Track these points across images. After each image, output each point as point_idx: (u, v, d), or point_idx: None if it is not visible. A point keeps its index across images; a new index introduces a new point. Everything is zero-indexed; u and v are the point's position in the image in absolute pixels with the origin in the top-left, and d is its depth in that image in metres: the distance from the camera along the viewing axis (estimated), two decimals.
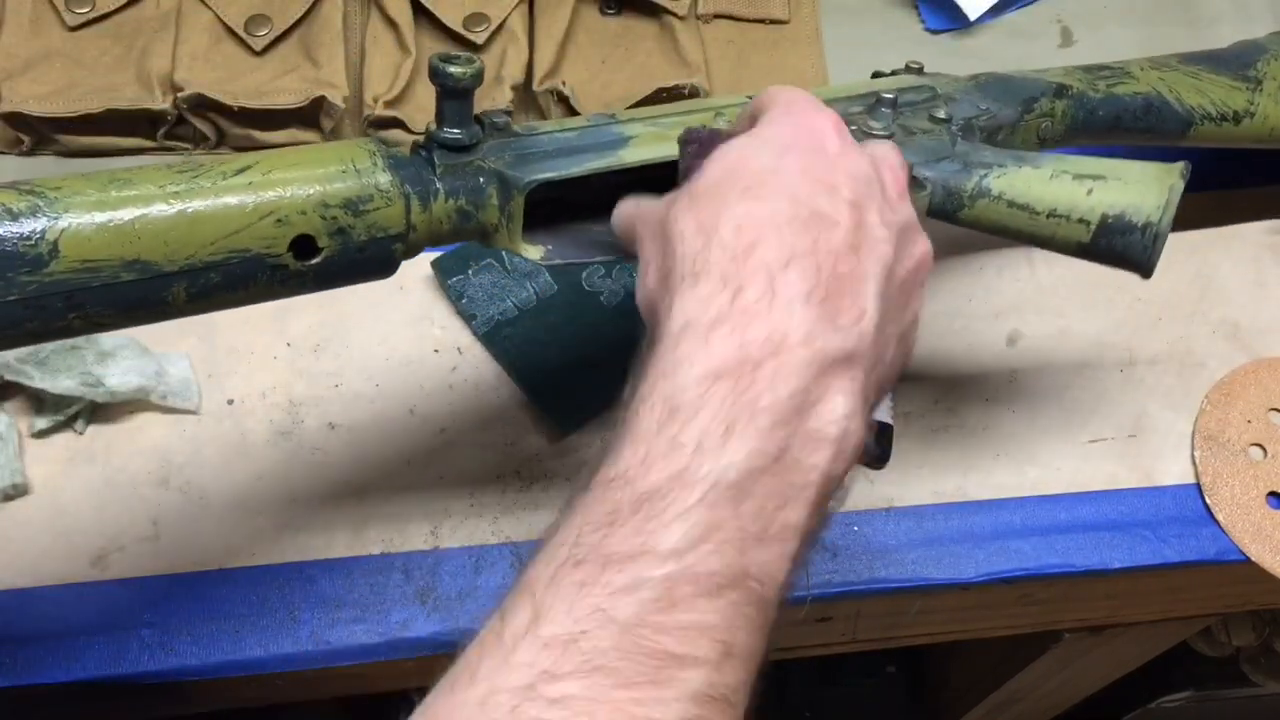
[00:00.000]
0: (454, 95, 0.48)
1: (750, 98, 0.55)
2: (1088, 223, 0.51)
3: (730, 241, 0.36)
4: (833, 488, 0.36)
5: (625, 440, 0.34)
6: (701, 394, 0.33)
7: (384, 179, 0.46)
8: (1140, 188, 0.51)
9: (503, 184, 0.49)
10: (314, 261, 0.45)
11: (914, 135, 0.55)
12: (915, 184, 0.52)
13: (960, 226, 0.54)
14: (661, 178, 0.55)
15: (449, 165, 0.48)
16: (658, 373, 0.35)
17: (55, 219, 0.41)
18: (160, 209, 0.42)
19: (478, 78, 0.47)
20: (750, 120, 0.45)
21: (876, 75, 0.63)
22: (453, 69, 0.46)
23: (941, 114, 0.57)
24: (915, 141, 0.54)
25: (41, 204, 0.41)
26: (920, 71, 0.63)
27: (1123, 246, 0.51)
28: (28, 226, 0.40)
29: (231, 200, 0.43)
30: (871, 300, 0.36)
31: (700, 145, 0.45)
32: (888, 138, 0.54)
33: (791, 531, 0.34)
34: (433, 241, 0.49)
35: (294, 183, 0.45)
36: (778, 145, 0.39)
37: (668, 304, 0.36)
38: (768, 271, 0.35)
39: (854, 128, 0.55)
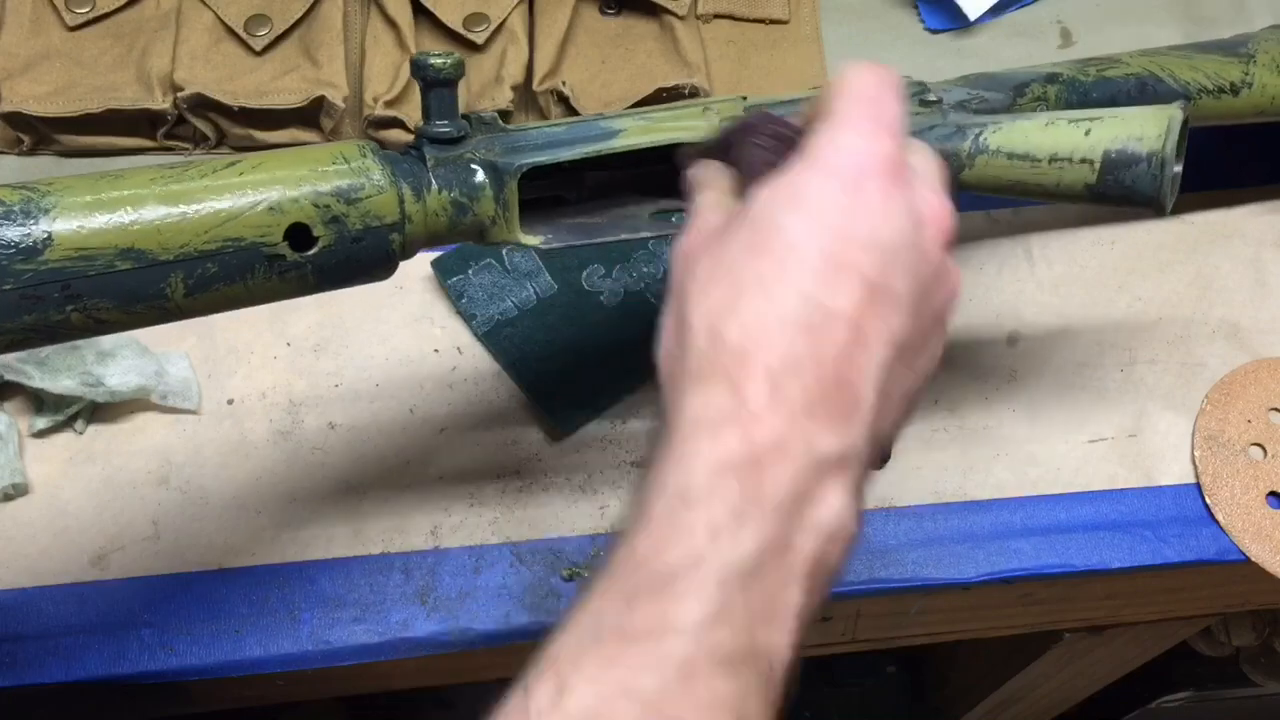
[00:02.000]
0: (437, 86, 0.49)
1: (744, 98, 0.56)
2: (1091, 162, 0.50)
3: (735, 345, 0.37)
4: (830, 574, 0.37)
5: (641, 526, 0.35)
6: (711, 486, 0.35)
7: (375, 169, 0.47)
8: (1139, 121, 0.50)
9: (494, 172, 0.49)
10: (311, 253, 0.46)
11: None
12: None
13: (964, 190, 0.54)
14: (656, 173, 0.55)
15: (440, 158, 0.49)
16: (670, 463, 0.36)
17: (48, 210, 0.42)
18: (152, 200, 0.43)
19: (458, 68, 0.48)
20: (817, 116, 0.43)
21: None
22: (434, 60, 0.48)
23: (931, 98, 0.57)
24: (910, 120, 0.54)
25: (34, 197, 0.42)
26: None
27: (1131, 180, 0.50)
28: (20, 216, 0.41)
29: (223, 188, 0.44)
30: (871, 391, 0.37)
31: (749, 131, 0.46)
32: None
33: (793, 613, 0.35)
34: (430, 239, 0.49)
35: (284, 172, 0.45)
36: (813, 207, 0.39)
37: (678, 394, 0.38)
38: (770, 379, 0.36)
39: None
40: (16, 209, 0.42)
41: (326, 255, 0.46)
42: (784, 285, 0.37)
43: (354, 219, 0.46)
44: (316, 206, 0.45)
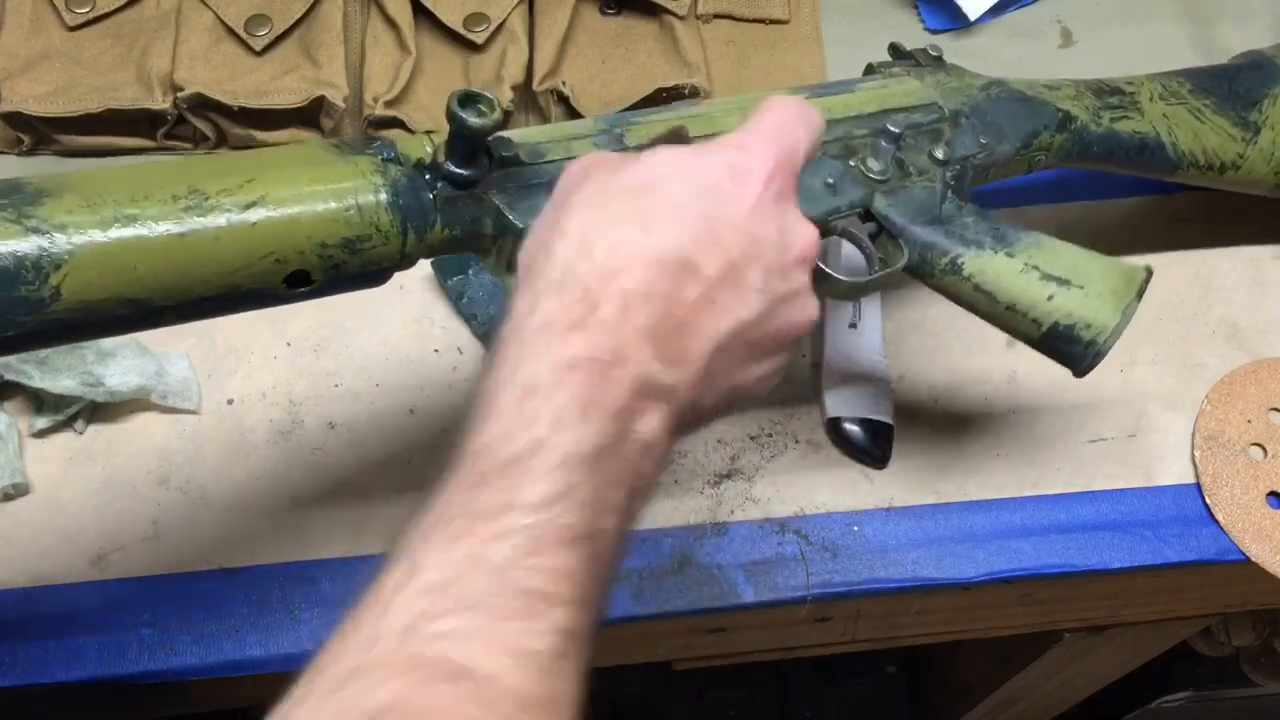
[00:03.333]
0: (467, 139, 0.47)
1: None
2: (1039, 324, 0.55)
3: (601, 261, 0.40)
4: (644, 487, 0.40)
5: (488, 416, 0.38)
6: (558, 379, 0.38)
7: (384, 219, 0.46)
8: (1098, 303, 0.55)
9: (499, 222, 0.49)
10: (303, 290, 0.46)
11: (909, 178, 0.57)
12: (896, 247, 0.56)
13: (919, 282, 0.58)
14: None
15: (449, 198, 0.48)
16: (517, 357, 0.39)
17: (58, 265, 0.41)
18: (163, 252, 0.42)
19: (498, 124, 0.46)
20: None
21: (869, 70, 0.63)
22: (471, 120, 0.45)
23: (940, 154, 0.58)
24: (908, 192, 0.57)
25: (45, 245, 0.40)
26: (939, 59, 0.63)
27: (1066, 352, 0.56)
28: (31, 271, 0.40)
29: (235, 242, 0.43)
30: (703, 353, 0.41)
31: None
32: (883, 182, 0.56)
33: (620, 508, 0.38)
34: (425, 256, 0.50)
35: (298, 220, 0.44)
36: (702, 183, 0.42)
37: (534, 294, 0.40)
38: (624, 299, 0.39)
39: (853, 163, 0.56)
40: (28, 258, 0.40)
41: (318, 290, 0.47)
42: (662, 226, 0.41)
43: (354, 265, 0.46)
44: (320, 258, 0.45)
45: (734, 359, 0.42)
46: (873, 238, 0.57)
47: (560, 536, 0.36)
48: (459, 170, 0.47)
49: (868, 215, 0.56)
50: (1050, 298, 0.55)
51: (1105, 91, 0.66)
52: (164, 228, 0.42)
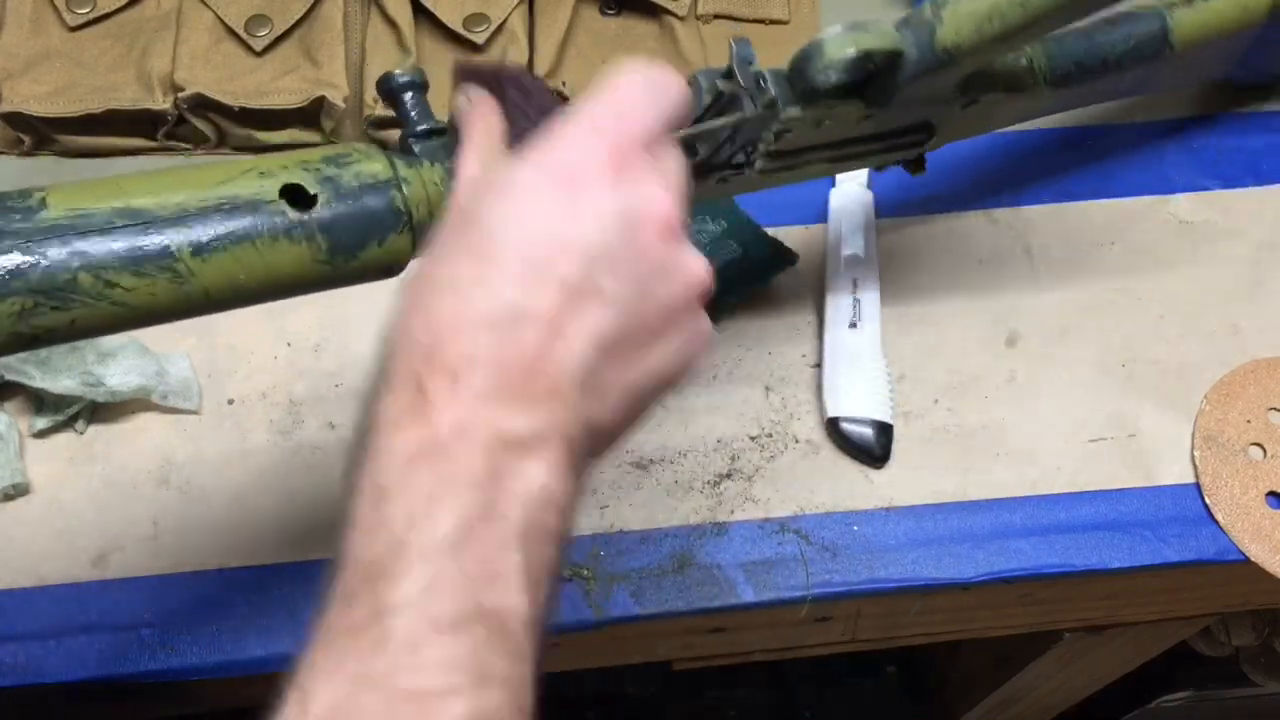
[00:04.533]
0: (408, 89, 0.50)
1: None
2: None
3: (422, 343, 0.38)
4: (551, 535, 0.38)
5: (351, 525, 0.37)
6: (403, 475, 0.36)
7: (359, 145, 0.47)
8: None
9: None
10: (313, 211, 0.45)
11: None
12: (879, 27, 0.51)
13: (955, 65, 0.52)
14: None
15: (426, 146, 0.50)
16: (369, 458, 0.38)
17: (42, 188, 0.42)
18: (139, 177, 0.44)
19: (419, 73, 0.50)
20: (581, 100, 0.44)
21: None
22: (394, 71, 0.50)
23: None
24: None
25: (28, 190, 0.42)
26: None
27: None
28: (16, 197, 0.42)
29: (207, 163, 0.46)
30: (570, 382, 0.39)
31: (479, 79, 0.47)
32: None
33: (517, 571, 0.37)
34: (434, 212, 0.48)
35: (271, 158, 0.46)
36: (528, 208, 0.40)
37: (380, 390, 0.39)
38: (451, 372, 0.37)
39: None
40: (14, 196, 0.42)
41: (329, 212, 0.45)
42: (477, 287, 0.39)
43: (347, 177, 0.46)
44: (305, 170, 0.45)
45: (615, 364, 0.40)
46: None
47: (438, 627, 0.34)
48: (423, 125, 0.50)
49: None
50: None
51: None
52: (136, 172, 0.44)
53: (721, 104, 0.53)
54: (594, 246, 0.40)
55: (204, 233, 0.43)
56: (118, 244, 0.42)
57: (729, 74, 0.53)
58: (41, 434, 0.66)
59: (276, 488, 0.66)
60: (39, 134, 0.75)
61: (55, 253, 0.41)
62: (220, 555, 0.64)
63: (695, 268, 0.43)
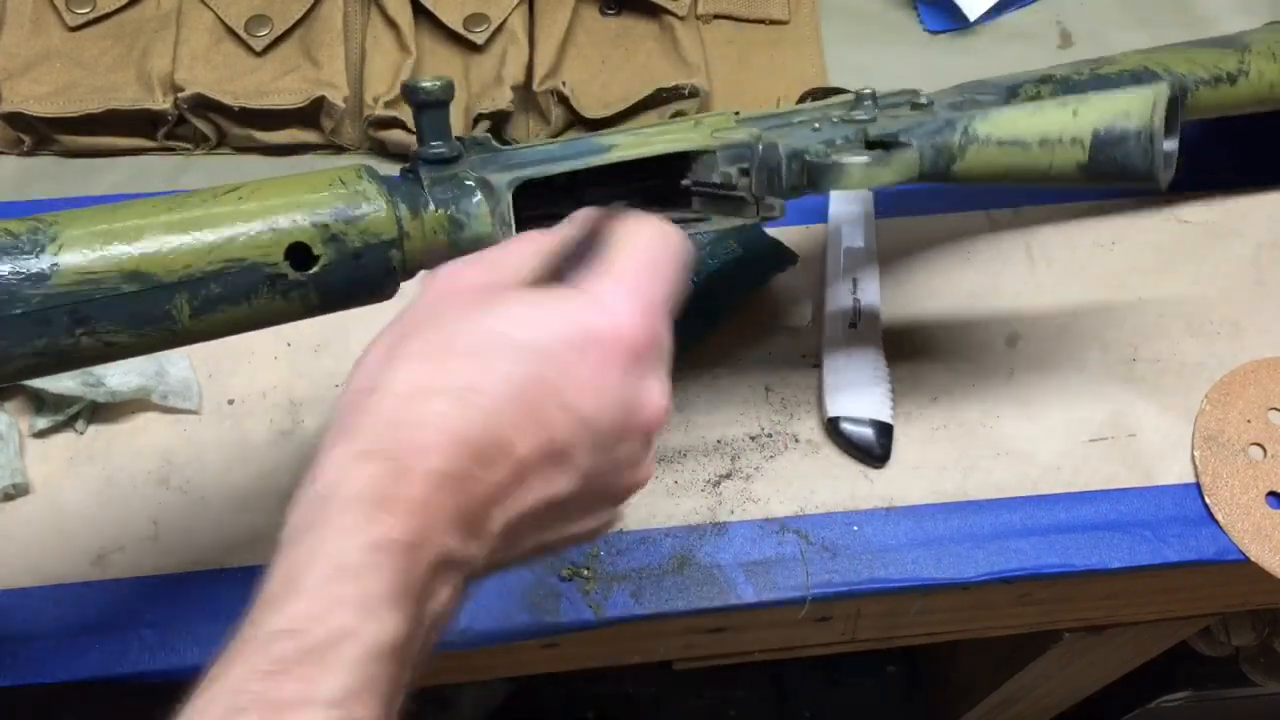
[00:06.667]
0: (429, 108, 0.49)
1: (737, 114, 0.56)
2: (1080, 141, 0.50)
3: (415, 433, 0.38)
4: (427, 652, 0.39)
5: (293, 591, 0.37)
6: (364, 561, 0.36)
7: (371, 190, 0.48)
8: (1125, 99, 0.50)
9: (489, 189, 0.50)
10: (313, 271, 0.46)
11: (897, 119, 0.56)
12: (899, 145, 0.53)
13: (959, 183, 0.54)
14: (654, 187, 0.55)
15: (435, 178, 0.50)
16: (324, 525, 0.38)
17: (54, 238, 0.43)
18: (154, 228, 0.45)
19: (448, 90, 0.49)
20: (601, 247, 0.43)
21: (809, 95, 0.64)
22: (424, 84, 0.48)
23: (922, 101, 0.57)
24: (897, 122, 0.55)
25: (40, 227, 0.44)
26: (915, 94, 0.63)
27: (1122, 156, 0.50)
28: (28, 244, 0.43)
29: (222, 215, 0.45)
30: (507, 525, 0.39)
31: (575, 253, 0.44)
32: (870, 121, 0.55)
33: (407, 685, 0.37)
34: (430, 259, 0.50)
35: (282, 199, 0.46)
36: (542, 349, 0.40)
37: (344, 457, 0.39)
38: (435, 480, 0.37)
39: (836, 117, 0.56)
40: (24, 238, 0.43)
41: (328, 273, 0.47)
42: (482, 402, 0.38)
43: (353, 237, 0.47)
44: (315, 226, 0.46)
45: (543, 525, 0.41)
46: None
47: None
48: (436, 147, 0.49)
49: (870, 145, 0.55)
50: (1075, 113, 0.51)
51: (1078, 63, 0.65)
52: (150, 208, 0.45)
53: (726, 192, 0.55)
54: (588, 420, 0.40)
55: (204, 295, 0.45)
56: (122, 309, 0.44)
57: (745, 168, 0.54)
58: (41, 434, 0.66)
59: (276, 488, 0.66)
60: (39, 134, 0.75)
61: (61, 320, 0.43)
62: (220, 555, 0.64)
63: (649, 470, 0.44)
